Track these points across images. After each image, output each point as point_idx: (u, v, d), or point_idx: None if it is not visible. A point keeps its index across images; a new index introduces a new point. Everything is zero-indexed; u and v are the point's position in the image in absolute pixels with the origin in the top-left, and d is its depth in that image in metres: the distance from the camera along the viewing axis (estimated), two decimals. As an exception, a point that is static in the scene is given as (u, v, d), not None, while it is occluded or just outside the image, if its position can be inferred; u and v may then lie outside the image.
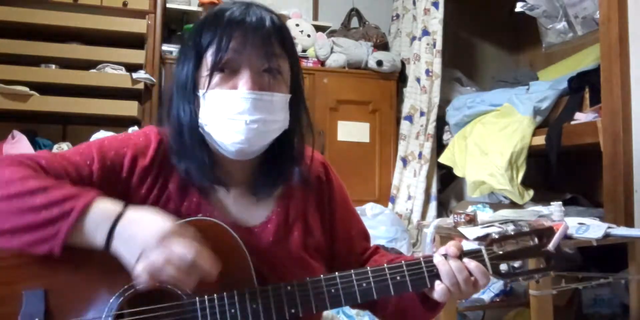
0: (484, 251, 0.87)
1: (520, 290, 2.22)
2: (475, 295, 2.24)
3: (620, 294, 2.02)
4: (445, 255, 0.86)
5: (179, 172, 0.89)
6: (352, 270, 0.84)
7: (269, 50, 0.85)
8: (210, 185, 0.90)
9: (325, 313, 2.16)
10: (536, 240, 0.89)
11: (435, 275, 0.84)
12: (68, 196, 0.75)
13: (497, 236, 0.89)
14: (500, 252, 0.87)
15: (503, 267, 0.87)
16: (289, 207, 0.95)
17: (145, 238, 0.73)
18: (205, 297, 0.78)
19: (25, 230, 0.74)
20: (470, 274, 0.85)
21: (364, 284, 0.82)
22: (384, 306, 0.97)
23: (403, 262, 0.85)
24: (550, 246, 0.88)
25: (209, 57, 0.85)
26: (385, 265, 0.84)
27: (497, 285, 2.22)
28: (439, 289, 0.84)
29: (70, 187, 0.78)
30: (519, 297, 2.20)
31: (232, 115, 0.83)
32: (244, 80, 0.84)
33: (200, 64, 0.86)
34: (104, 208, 0.76)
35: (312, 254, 0.95)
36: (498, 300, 2.19)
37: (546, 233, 0.89)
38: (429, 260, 0.86)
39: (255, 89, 0.84)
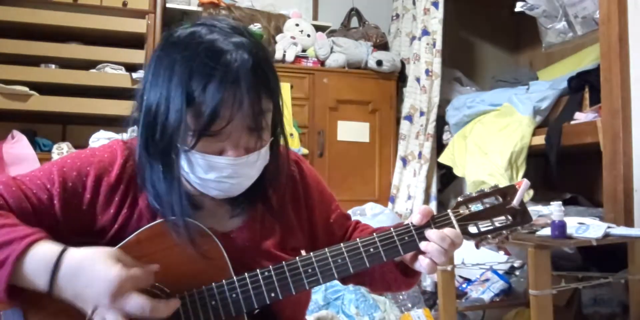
0: (451, 214, 0.89)
1: (520, 290, 2.22)
2: (475, 295, 2.24)
3: (619, 293, 2.02)
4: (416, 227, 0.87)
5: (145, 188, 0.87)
6: (326, 249, 0.85)
7: (258, 110, 0.79)
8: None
9: (325, 313, 2.17)
10: (500, 199, 0.90)
11: (407, 242, 0.86)
12: (3, 243, 0.72)
13: (461, 199, 0.90)
14: (467, 213, 0.89)
15: (471, 227, 0.89)
16: (265, 211, 0.95)
17: (94, 295, 0.71)
18: (185, 292, 0.79)
19: None
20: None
21: (339, 260, 0.84)
22: (371, 282, 1.00)
23: (375, 234, 0.87)
24: (515, 202, 0.89)
25: (195, 118, 0.77)
26: (358, 239, 0.86)
27: (497, 285, 2.22)
28: (424, 264, 0.85)
29: (7, 229, 0.74)
30: (519, 297, 2.21)
31: (214, 177, 0.81)
32: (231, 148, 0.80)
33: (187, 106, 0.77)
34: (39, 256, 0.73)
35: (290, 253, 0.95)
36: (498, 300, 2.19)
37: (509, 191, 0.90)
38: (399, 229, 0.87)
39: (242, 155, 0.80)
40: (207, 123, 0.76)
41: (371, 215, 2.79)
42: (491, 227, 0.89)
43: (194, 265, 0.81)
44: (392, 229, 0.87)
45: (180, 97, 0.76)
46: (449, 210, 0.90)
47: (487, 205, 0.90)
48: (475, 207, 0.90)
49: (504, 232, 0.89)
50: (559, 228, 1.59)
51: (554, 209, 1.61)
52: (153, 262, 0.77)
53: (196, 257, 0.80)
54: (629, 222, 1.92)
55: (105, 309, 0.72)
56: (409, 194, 3.17)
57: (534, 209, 1.86)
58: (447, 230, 0.86)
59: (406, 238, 0.86)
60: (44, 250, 0.73)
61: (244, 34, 0.82)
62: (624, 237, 1.62)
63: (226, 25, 0.82)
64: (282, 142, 0.93)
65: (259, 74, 0.79)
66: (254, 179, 0.86)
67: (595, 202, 2.72)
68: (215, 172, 0.81)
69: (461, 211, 0.89)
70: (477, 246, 0.92)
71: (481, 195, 0.90)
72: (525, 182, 0.90)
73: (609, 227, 1.63)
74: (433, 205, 3.21)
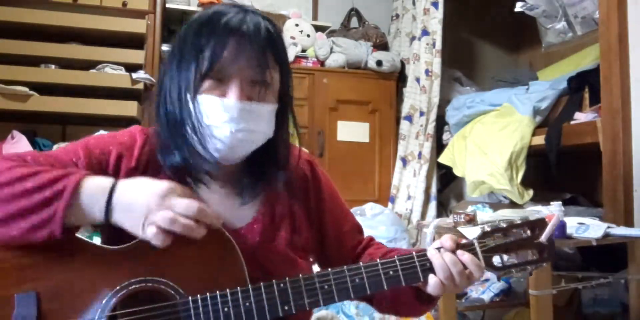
0: (476, 244, 0.87)
1: (520, 290, 2.22)
2: (475, 295, 2.24)
3: (619, 293, 2.02)
4: (440, 249, 0.86)
5: (163, 169, 0.89)
6: (344, 266, 0.84)
7: (262, 61, 0.84)
8: (194, 185, 0.90)
9: (325, 313, 2.17)
10: (528, 232, 0.88)
11: (427, 269, 0.85)
12: (58, 177, 0.75)
13: (489, 229, 0.88)
14: (493, 244, 0.87)
15: (496, 259, 0.87)
16: (274, 207, 0.95)
17: (145, 202, 0.75)
18: (198, 296, 0.78)
19: (21, 216, 0.73)
20: (465, 266, 0.85)
21: (357, 280, 0.83)
22: (379, 301, 0.98)
23: (396, 257, 0.86)
24: (543, 238, 0.88)
25: (202, 62, 0.84)
26: (378, 260, 0.85)
27: (497, 285, 2.22)
28: (432, 283, 0.84)
29: (59, 169, 0.78)
30: (519, 297, 2.20)
31: (218, 122, 0.84)
32: (233, 90, 0.84)
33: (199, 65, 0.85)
34: (96, 182, 0.77)
35: (299, 252, 0.95)
36: (498, 300, 2.19)
37: (538, 225, 0.89)
38: (421, 254, 0.86)
39: (244, 99, 0.84)
40: (211, 63, 0.82)
41: (371, 215, 2.79)
42: (516, 262, 0.87)
43: (209, 266, 0.80)
44: (414, 253, 0.86)
45: (190, 51, 0.84)
46: (474, 240, 0.88)
47: (514, 238, 0.88)
48: (502, 238, 0.88)
49: (529, 267, 0.88)
50: (559, 228, 1.60)
51: (554, 209, 1.61)
52: (167, 258, 0.77)
53: (211, 257, 0.80)
54: (629, 222, 1.93)
55: (154, 213, 0.74)
56: (409, 194, 3.17)
57: (534, 209, 1.86)
58: (465, 256, 0.85)
59: (428, 264, 0.85)
60: (101, 179, 0.78)
61: (257, 12, 0.89)
62: (624, 237, 1.62)
63: (246, 10, 0.89)
64: (288, 134, 0.95)
65: (264, 32, 0.85)
66: (255, 138, 0.88)
67: (595, 202, 2.72)
68: (219, 115, 0.84)
69: (487, 242, 0.87)
70: (499, 279, 0.91)
71: (509, 227, 0.88)
72: (556, 217, 0.89)
73: (609, 227, 1.63)
74: (433, 206, 3.21)
